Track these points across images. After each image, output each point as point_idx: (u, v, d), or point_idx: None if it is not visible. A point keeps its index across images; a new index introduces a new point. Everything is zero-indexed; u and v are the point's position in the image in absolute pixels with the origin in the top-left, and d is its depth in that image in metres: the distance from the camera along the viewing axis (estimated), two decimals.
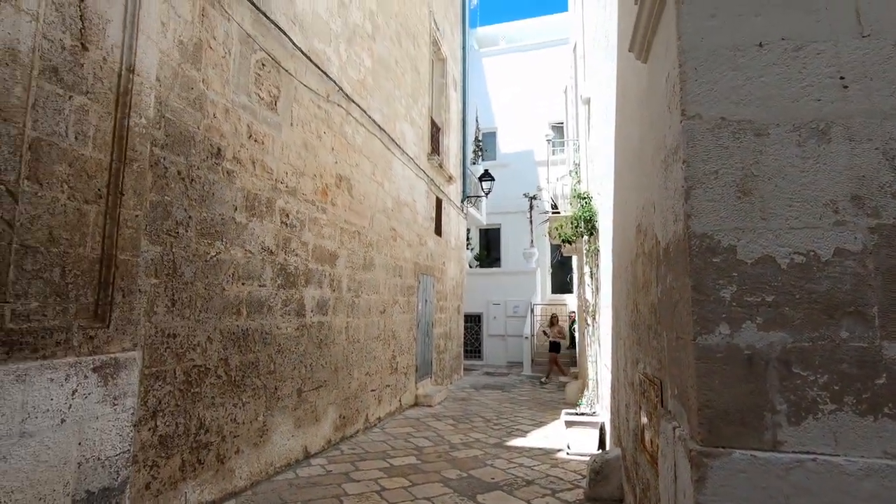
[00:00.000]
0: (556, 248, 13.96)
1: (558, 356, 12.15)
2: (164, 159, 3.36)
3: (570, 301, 13.90)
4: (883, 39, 1.52)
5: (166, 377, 3.36)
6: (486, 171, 12.79)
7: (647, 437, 2.68)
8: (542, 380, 11.71)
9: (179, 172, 3.49)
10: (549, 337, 12.68)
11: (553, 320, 12.71)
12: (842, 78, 1.54)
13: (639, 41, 2.29)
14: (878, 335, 1.45)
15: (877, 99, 1.50)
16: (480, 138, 16.39)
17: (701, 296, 1.56)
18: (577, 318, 12.69)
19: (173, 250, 3.42)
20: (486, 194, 12.79)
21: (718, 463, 1.47)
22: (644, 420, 2.78)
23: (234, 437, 4.04)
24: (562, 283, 16.13)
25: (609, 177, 4.72)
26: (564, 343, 12.78)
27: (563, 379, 11.23)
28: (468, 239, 14.94)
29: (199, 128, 3.69)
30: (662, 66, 1.95)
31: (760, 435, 1.49)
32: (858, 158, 1.50)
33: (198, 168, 3.67)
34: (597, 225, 6.49)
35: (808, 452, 1.45)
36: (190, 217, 3.58)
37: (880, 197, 1.48)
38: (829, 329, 1.48)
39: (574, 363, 12.01)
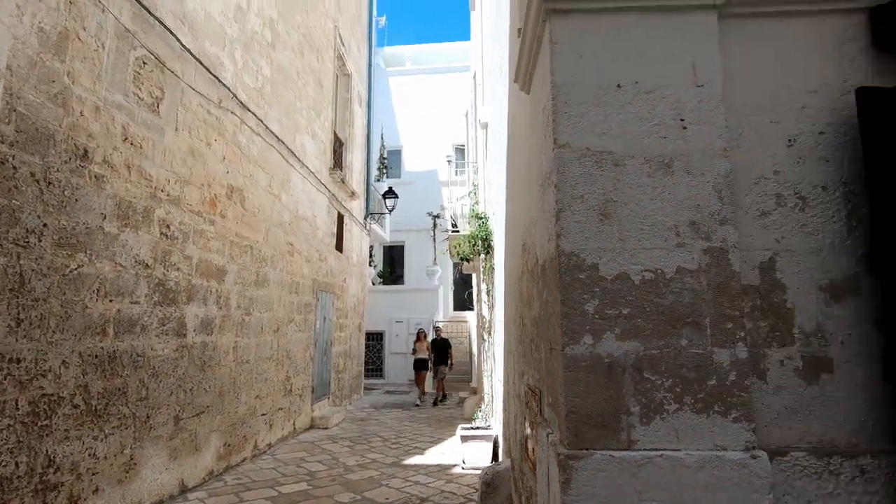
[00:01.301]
0: (457, 266, 14.28)
1: (427, 373, 11.40)
2: (14, 158, 2.95)
3: (471, 318, 14.24)
4: (712, 90, 1.79)
5: (5, 409, 2.90)
6: (391, 188, 12.84)
7: (530, 445, 2.81)
8: (419, 401, 10.98)
9: (33, 174, 3.09)
10: (415, 353, 11.72)
11: (419, 335, 12.01)
12: (682, 120, 1.78)
13: (522, 73, 2.47)
14: (710, 342, 1.67)
15: (707, 140, 1.76)
16: (385, 156, 16.44)
17: (568, 309, 1.69)
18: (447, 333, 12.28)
19: (21, 262, 2.99)
20: (390, 211, 12.81)
21: (581, 464, 1.59)
22: (528, 430, 2.92)
23: (93, 473, 3.57)
24: (463, 300, 16.51)
25: (502, 198, 4.97)
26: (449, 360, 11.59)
27: (461, 394, 11.39)
28: (371, 256, 14.80)
29: (61, 126, 3.30)
30: (540, 98, 2.11)
31: (618, 436, 1.63)
32: (695, 190, 1.74)
33: (57, 170, 3.27)
34: (492, 244, 6.78)
35: (655, 449, 1.61)
36: (45, 224, 3.17)
37: (711, 223, 1.72)
38: (673, 338, 1.67)
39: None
